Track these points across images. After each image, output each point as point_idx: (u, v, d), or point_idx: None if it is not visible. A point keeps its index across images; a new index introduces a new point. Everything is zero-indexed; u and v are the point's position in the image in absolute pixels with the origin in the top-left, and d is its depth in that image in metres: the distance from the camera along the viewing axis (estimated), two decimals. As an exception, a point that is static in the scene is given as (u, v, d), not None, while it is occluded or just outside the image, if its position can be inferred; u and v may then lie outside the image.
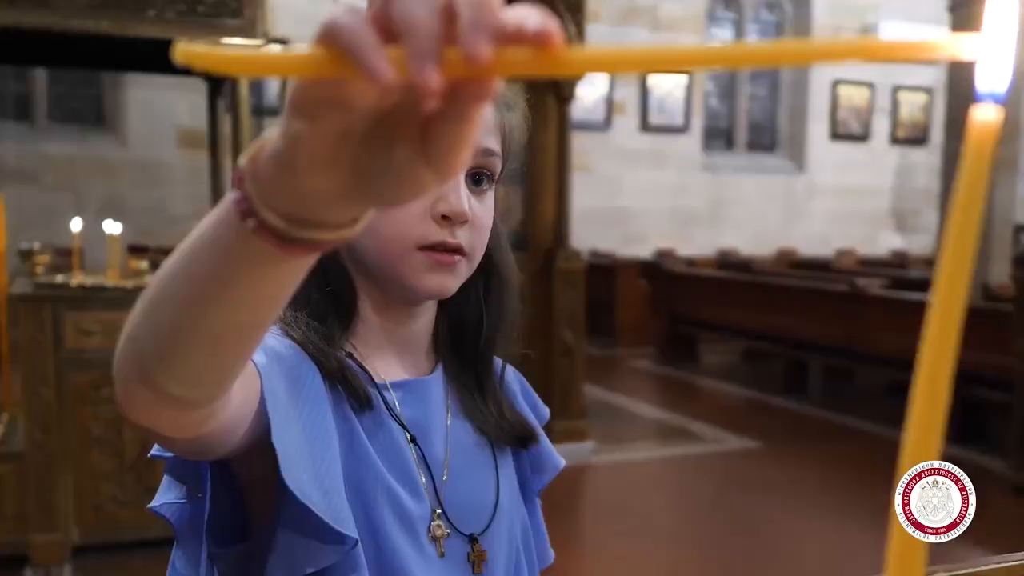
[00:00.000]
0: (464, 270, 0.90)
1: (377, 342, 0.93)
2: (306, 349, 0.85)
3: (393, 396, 0.91)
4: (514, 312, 0.99)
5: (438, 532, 0.90)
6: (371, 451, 0.86)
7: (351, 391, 0.86)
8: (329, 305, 0.90)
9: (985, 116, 0.30)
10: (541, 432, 1.04)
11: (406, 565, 0.86)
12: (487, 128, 0.88)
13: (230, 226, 0.50)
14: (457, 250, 0.87)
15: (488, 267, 0.96)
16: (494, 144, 0.89)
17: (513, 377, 1.06)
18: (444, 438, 0.94)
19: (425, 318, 0.95)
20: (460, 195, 0.86)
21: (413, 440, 0.91)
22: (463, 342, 0.98)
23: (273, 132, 0.46)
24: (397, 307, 0.92)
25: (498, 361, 1.03)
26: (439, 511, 0.91)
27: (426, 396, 0.94)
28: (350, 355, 0.91)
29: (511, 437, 0.99)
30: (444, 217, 0.85)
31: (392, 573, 0.86)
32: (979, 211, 0.30)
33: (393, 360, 0.94)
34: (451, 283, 0.89)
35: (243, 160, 0.49)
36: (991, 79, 0.30)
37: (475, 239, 0.89)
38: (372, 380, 0.90)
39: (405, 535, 0.87)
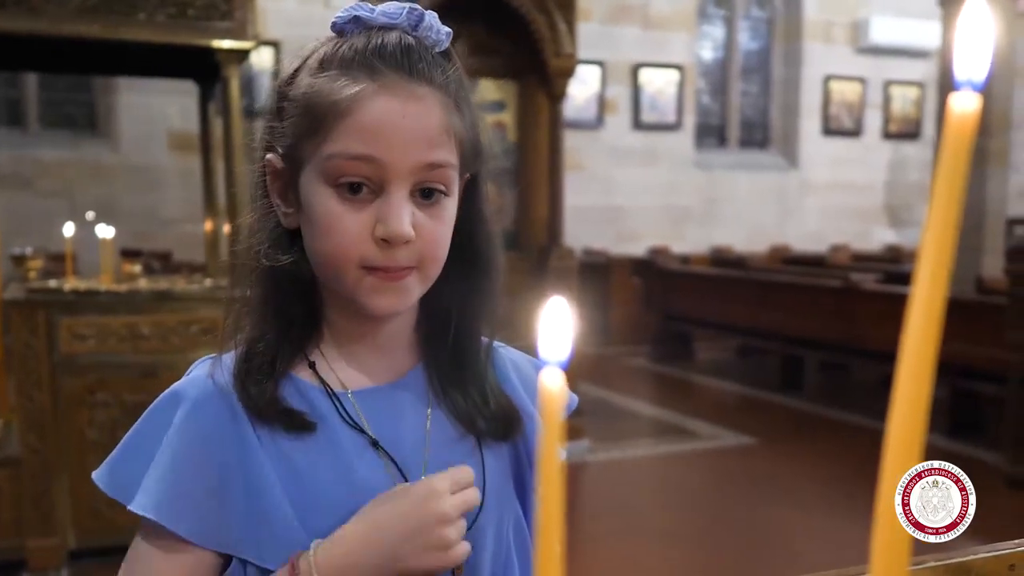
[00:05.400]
0: (416, 284, 0.89)
1: (348, 347, 0.94)
2: (237, 391, 0.88)
3: (356, 406, 0.92)
4: (493, 297, 0.97)
5: None
6: (307, 471, 0.88)
7: (287, 422, 0.89)
8: (297, 310, 0.92)
9: (964, 104, 0.30)
10: (535, 419, 0.98)
11: None
12: (430, 140, 0.86)
13: None
14: (404, 268, 0.87)
15: (469, 257, 0.96)
16: (443, 155, 0.87)
17: (512, 366, 1.03)
18: (421, 439, 0.94)
19: (400, 318, 0.94)
20: (399, 218, 0.84)
21: (375, 443, 0.91)
22: (442, 332, 0.97)
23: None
24: (364, 313, 0.92)
25: (498, 348, 1.02)
26: None
27: (396, 400, 0.94)
28: (313, 364, 0.92)
29: (495, 427, 0.97)
30: (384, 240, 0.85)
31: None
32: (959, 202, 0.31)
33: (366, 363, 0.94)
34: (402, 301, 0.89)
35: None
36: (969, 67, 0.31)
37: (426, 252, 0.88)
38: (329, 391, 0.92)
39: None
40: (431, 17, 0.90)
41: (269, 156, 0.91)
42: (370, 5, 0.89)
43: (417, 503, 0.81)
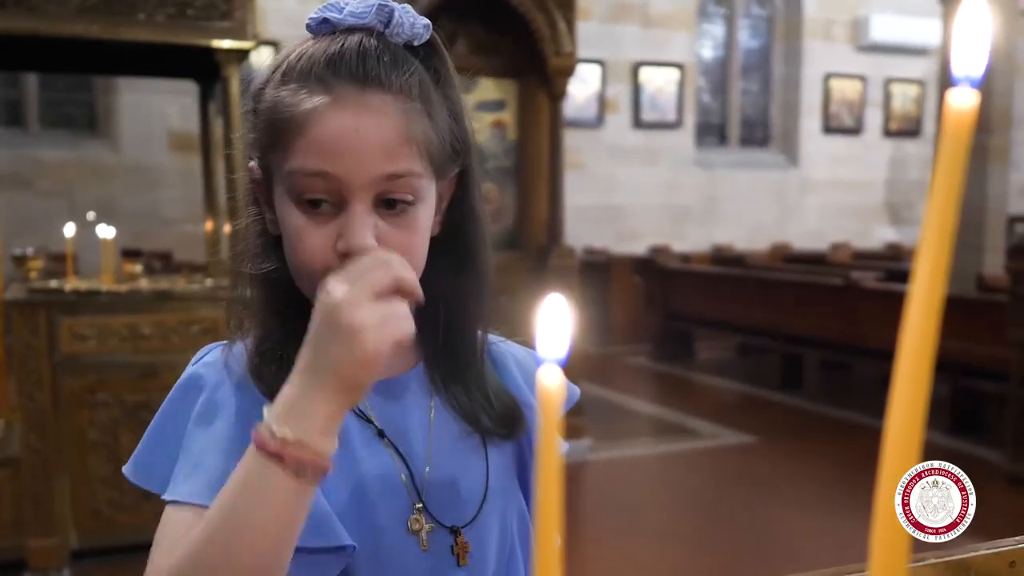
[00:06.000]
0: None
1: None
2: (252, 377, 0.89)
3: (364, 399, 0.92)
4: (485, 294, 0.97)
5: (415, 526, 0.90)
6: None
7: None
8: (294, 312, 0.90)
9: (961, 101, 0.30)
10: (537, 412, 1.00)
11: (385, 560, 0.89)
12: (387, 151, 0.84)
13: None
14: None
15: (460, 254, 0.95)
16: (403, 165, 0.85)
17: (513, 360, 1.03)
18: (426, 433, 0.94)
19: None
20: (358, 232, 0.83)
21: (381, 434, 0.91)
22: (436, 330, 0.96)
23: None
24: None
25: (499, 344, 1.02)
26: (419, 505, 0.91)
27: (400, 394, 0.95)
28: None
29: (500, 427, 0.96)
30: (345, 254, 0.84)
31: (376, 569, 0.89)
32: (958, 197, 0.31)
33: None
34: None
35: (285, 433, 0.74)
36: (967, 63, 0.30)
37: None
38: None
39: (379, 534, 0.89)
40: (403, 12, 0.87)
41: (251, 163, 0.91)
42: (342, 4, 0.88)
43: (317, 313, 0.76)
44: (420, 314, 0.97)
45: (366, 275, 0.76)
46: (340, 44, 0.85)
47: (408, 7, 0.89)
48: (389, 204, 0.86)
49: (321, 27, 0.88)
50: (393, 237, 0.86)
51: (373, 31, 0.87)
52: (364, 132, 0.83)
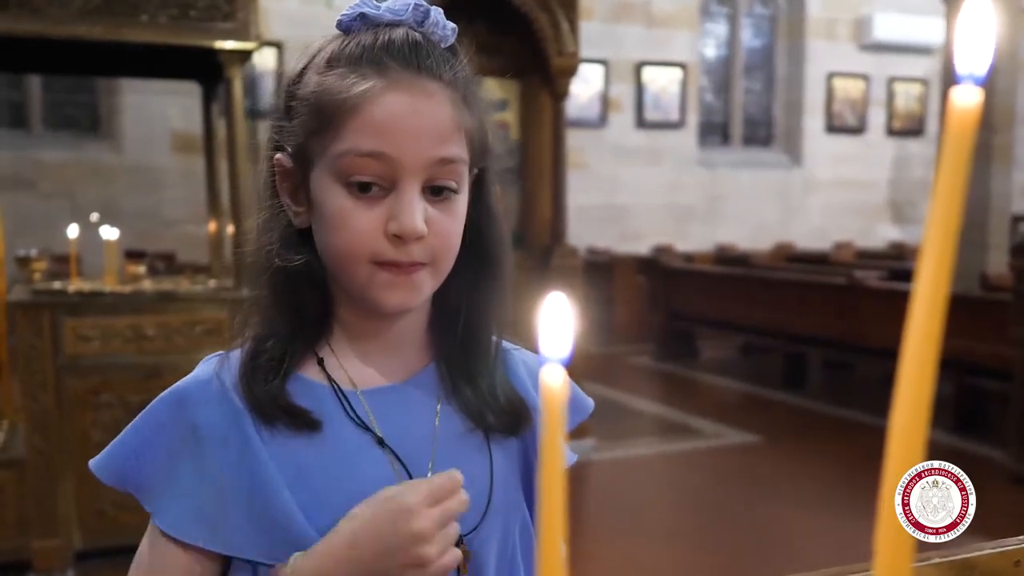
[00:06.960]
0: (428, 280, 0.89)
1: (359, 345, 0.94)
2: (242, 390, 0.88)
3: (365, 404, 0.91)
4: (502, 294, 0.97)
5: None
6: (312, 470, 0.88)
7: (292, 421, 0.88)
8: (308, 309, 0.92)
9: (965, 99, 0.30)
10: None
11: None
12: (441, 135, 0.86)
13: None
14: (416, 263, 0.87)
15: (480, 254, 0.95)
16: (454, 150, 0.87)
17: (523, 365, 1.02)
18: (430, 438, 0.93)
19: (411, 316, 0.94)
20: (412, 213, 0.84)
21: (381, 442, 0.90)
22: (453, 329, 0.96)
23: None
24: (375, 310, 0.91)
25: (511, 351, 1.01)
26: None
27: (405, 400, 0.94)
28: (321, 361, 0.92)
29: (504, 421, 0.95)
30: (397, 236, 0.85)
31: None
32: (961, 195, 0.30)
33: (378, 362, 0.94)
34: (413, 296, 0.89)
35: None
36: (970, 62, 0.30)
37: (438, 248, 0.87)
38: (337, 390, 0.91)
39: None
40: (437, 13, 0.89)
41: (278, 156, 0.91)
42: (375, 2, 0.89)
43: (390, 520, 0.80)
44: (438, 313, 0.97)
45: (448, 505, 0.81)
46: (388, 34, 0.87)
47: (439, 9, 0.90)
48: (435, 191, 0.87)
49: (356, 23, 0.89)
50: (441, 223, 0.87)
51: (411, 27, 0.88)
52: (420, 114, 0.85)
